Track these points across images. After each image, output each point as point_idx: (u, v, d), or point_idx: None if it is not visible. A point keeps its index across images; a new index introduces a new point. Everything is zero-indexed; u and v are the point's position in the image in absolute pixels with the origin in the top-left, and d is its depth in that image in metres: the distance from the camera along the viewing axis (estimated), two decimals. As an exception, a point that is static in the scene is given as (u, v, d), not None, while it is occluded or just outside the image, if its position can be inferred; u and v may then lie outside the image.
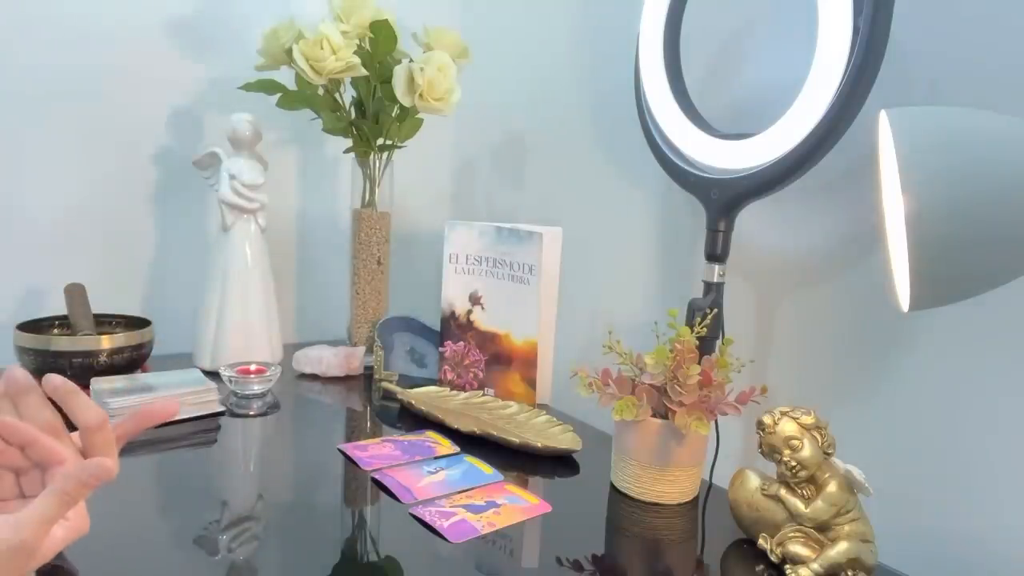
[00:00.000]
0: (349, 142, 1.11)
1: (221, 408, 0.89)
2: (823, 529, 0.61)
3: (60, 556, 0.56)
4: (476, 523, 0.66)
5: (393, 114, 1.09)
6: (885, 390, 0.76)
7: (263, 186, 1.07)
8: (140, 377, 0.94)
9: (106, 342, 0.94)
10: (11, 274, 1.06)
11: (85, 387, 0.88)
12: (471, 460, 0.80)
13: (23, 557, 0.44)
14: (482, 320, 1.04)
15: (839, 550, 0.59)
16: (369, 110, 1.09)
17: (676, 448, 0.72)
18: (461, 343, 1.05)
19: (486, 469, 0.78)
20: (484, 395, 1.00)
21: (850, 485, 0.61)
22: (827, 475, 0.61)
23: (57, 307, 1.01)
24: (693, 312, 0.77)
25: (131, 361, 0.96)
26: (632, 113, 0.90)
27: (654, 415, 0.72)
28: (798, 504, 0.62)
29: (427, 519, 0.66)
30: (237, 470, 0.79)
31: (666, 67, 0.85)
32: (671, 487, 0.73)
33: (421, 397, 0.97)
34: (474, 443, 0.85)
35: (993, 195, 0.50)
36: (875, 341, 0.76)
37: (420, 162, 1.28)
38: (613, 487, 0.77)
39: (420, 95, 1.01)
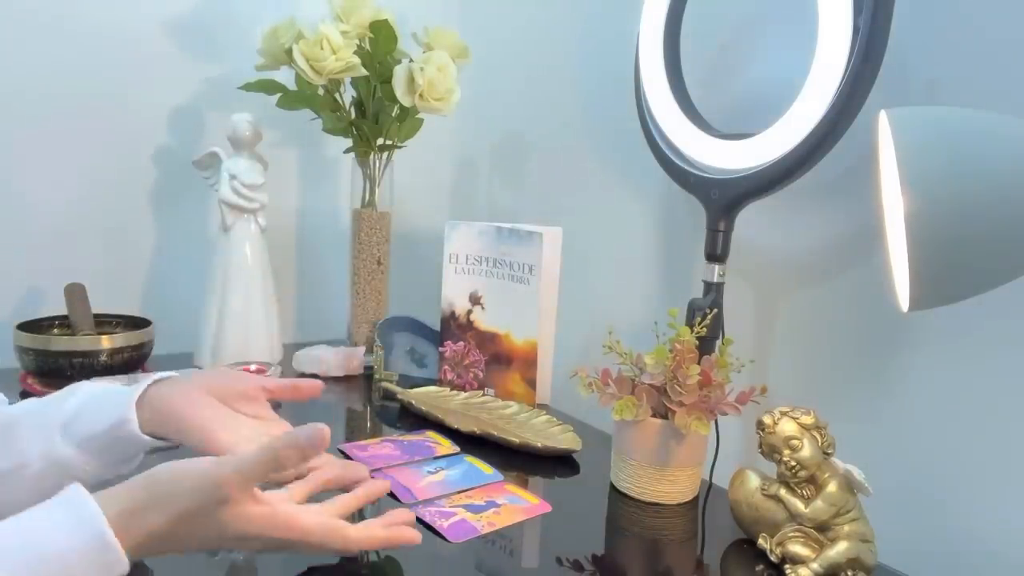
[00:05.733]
0: (349, 142, 1.11)
1: (221, 408, 0.89)
2: (823, 529, 0.61)
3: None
4: (476, 523, 0.66)
5: (393, 114, 1.08)
6: (885, 390, 0.76)
7: (263, 186, 1.07)
8: (140, 377, 0.94)
9: (106, 342, 0.94)
10: (11, 274, 1.06)
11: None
12: (471, 460, 0.80)
13: (212, 497, 0.45)
14: (482, 320, 1.04)
15: (839, 550, 0.59)
16: (369, 110, 1.09)
17: (676, 448, 0.72)
18: (461, 343, 1.05)
19: (486, 469, 0.78)
20: (484, 395, 1.00)
21: (850, 485, 0.61)
22: (827, 475, 0.61)
23: (57, 307, 1.01)
24: (693, 312, 0.77)
25: (131, 361, 0.96)
26: (632, 113, 0.90)
27: (654, 415, 0.72)
28: (798, 504, 0.62)
29: (427, 519, 0.66)
30: (237, 470, 0.79)
31: (666, 67, 0.84)
32: (671, 487, 0.73)
33: (421, 397, 0.97)
34: (474, 443, 0.85)
35: (993, 195, 0.50)
36: (875, 341, 0.76)
37: (420, 162, 1.27)
38: (613, 487, 0.77)
39: (420, 95, 1.01)
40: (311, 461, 0.54)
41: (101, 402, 0.57)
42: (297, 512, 0.49)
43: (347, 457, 0.79)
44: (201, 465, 0.46)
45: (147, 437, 0.56)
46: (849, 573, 0.59)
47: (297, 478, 0.57)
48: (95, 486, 0.46)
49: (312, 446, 0.46)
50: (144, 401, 0.57)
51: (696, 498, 0.75)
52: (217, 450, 0.55)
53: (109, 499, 0.44)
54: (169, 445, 0.58)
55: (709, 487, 0.79)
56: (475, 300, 1.05)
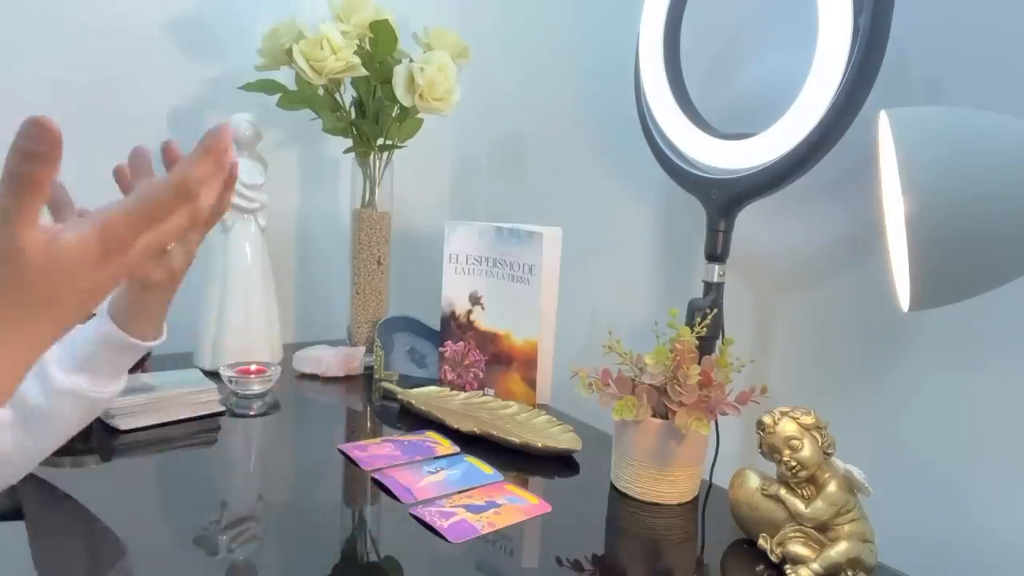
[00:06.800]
0: (349, 142, 1.11)
1: (221, 408, 0.90)
2: (823, 529, 0.61)
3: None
4: (476, 523, 0.66)
5: (393, 114, 1.08)
6: (885, 390, 0.76)
7: (263, 186, 1.07)
8: (140, 377, 0.94)
9: (106, 342, 0.93)
10: (11, 274, 1.06)
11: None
12: (471, 460, 0.80)
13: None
14: (482, 320, 1.04)
15: (839, 550, 0.59)
16: (369, 110, 1.09)
17: (676, 448, 0.72)
18: (461, 343, 1.05)
19: (486, 469, 0.78)
20: (484, 395, 1.00)
21: (850, 485, 0.61)
22: (827, 475, 0.61)
23: (57, 307, 1.01)
24: (693, 312, 0.77)
25: (131, 361, 0.96)
26: (632, 113, 0.90)
27: (654, 415, 0.72)
28: (798, 504, 0.62)
29: (427, 519, 0.66)
30: (237, 470, 0.79)
31: (666, 67, 0.84)
32: (671, 487, 0.73)
33: (421, 397, 0.97)
34: (474, 443, 0.85)
35: (993, 195, 0.50)
36: (875, 341, 0.76)
37: (420, 162, 1.27)
38: (613, 487, 0.77)
39: (420, 95, 1.01)
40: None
41: (75, 333, 0.63)
42: (104, 210, 0.38)
43: (347, 457, 0.79)
44: None
45: (134, 339, 0.63)
46: (849, 573, 0.59)
47: None
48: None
49: (28, 136, 0.34)
50: (110, 312, 0.63)
51: (696, 498, 0.75)
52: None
53: None
54: (154, 343, 0.66)
55: (709, 487, 0.79)
56: (475, 300, 1.05)
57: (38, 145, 0.34)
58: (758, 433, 0.64)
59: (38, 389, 0.61)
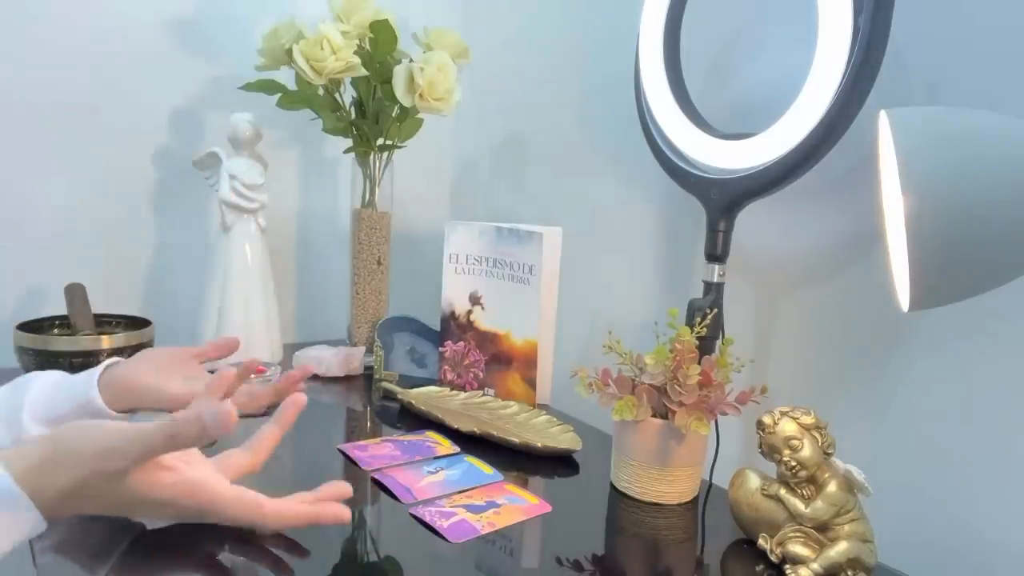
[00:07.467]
0: (349, 142, 1.11)
1: (221, 408, 0.89)
2: (823, 529, 0.61)
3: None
4: (476, 523, 0.66)
5: (393, 114, 1.09)
6: (885, 390, 0.75)
7: (263, 186, 1.07)
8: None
9: (106, 342, 0.93)
10: (11, 274, 1.06)
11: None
12: (471, 460, 0.80)
13: (112, 466, 0.46)
14: (482, 320, 1.04)
15: (839, 550, 0.59)
16: (369, 110, 1.09)
17: (676, 448, 0.72)
18: (461, 343, 1.05)
19: (486, 469, 0.78)
20: (484, 395, 1.00)
21: (850, 485, 0.61)
22: (827, 475, 0.61)
23: (57, 307, 1.01)
24: (693, 312, 0.77)
25: (131, 361, 0.96)
26: (632, 113, 0.90)
27: (654, 415, 0.72)
28: (798, 504, 0.62)
29: (427, 519, 0.66)
30: (237, 470, 0.79)
31: (666, 67, 0.84)
32: (671, 487, 0.73)
33: (421, 397, 0.97)
34: (474, 443, 0.85)
35: (993, 195, 0.50)
36: (876, 341, 0.76)
37: (420, 162, 1.27)
38: (613, 487, 0.77)
39: (420, 95, 1.01)
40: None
41: (62, 387, 0.63)
42: (206, 480, 0.50)
43: (347, 457, 0.79)
44: (102, 433, 0.47)
45: (112, 411, 0.62)
46: (849, 573, 0.59)
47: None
48: None
49: (216, 427, 0.46)
50: (101, 382, 0.63)
51: (696, 498, 0.75)
52: (170, 400, 0.63)
53: (14, 457, 0.44)
54: (129, 417, 0.65)
55: (709, 487, 0.79)
56: (475, 300, 1.05)
57: (218, 432, 0.46)
58: (758, 433, 0.64)
59: (6, 434, 0.60)
